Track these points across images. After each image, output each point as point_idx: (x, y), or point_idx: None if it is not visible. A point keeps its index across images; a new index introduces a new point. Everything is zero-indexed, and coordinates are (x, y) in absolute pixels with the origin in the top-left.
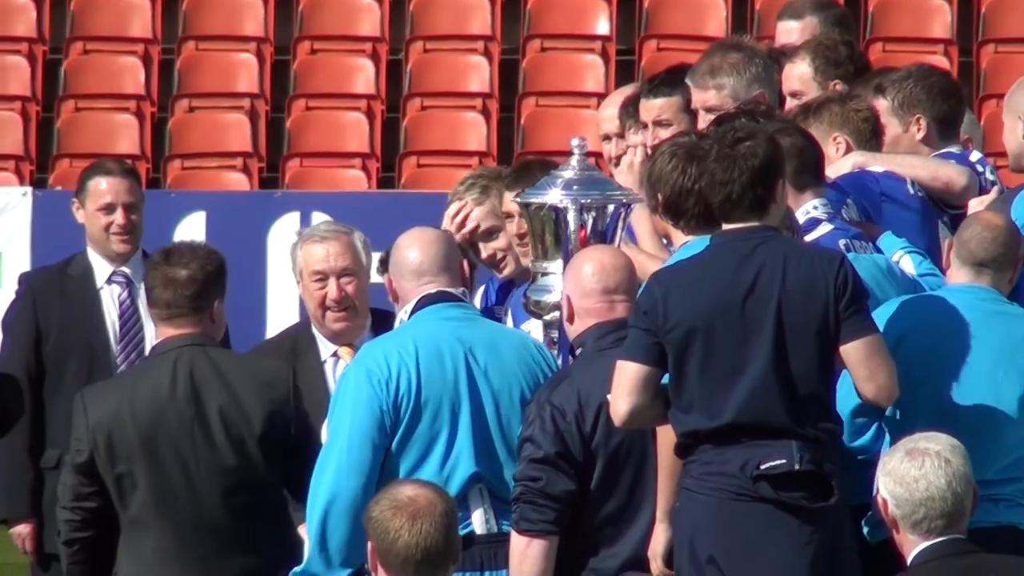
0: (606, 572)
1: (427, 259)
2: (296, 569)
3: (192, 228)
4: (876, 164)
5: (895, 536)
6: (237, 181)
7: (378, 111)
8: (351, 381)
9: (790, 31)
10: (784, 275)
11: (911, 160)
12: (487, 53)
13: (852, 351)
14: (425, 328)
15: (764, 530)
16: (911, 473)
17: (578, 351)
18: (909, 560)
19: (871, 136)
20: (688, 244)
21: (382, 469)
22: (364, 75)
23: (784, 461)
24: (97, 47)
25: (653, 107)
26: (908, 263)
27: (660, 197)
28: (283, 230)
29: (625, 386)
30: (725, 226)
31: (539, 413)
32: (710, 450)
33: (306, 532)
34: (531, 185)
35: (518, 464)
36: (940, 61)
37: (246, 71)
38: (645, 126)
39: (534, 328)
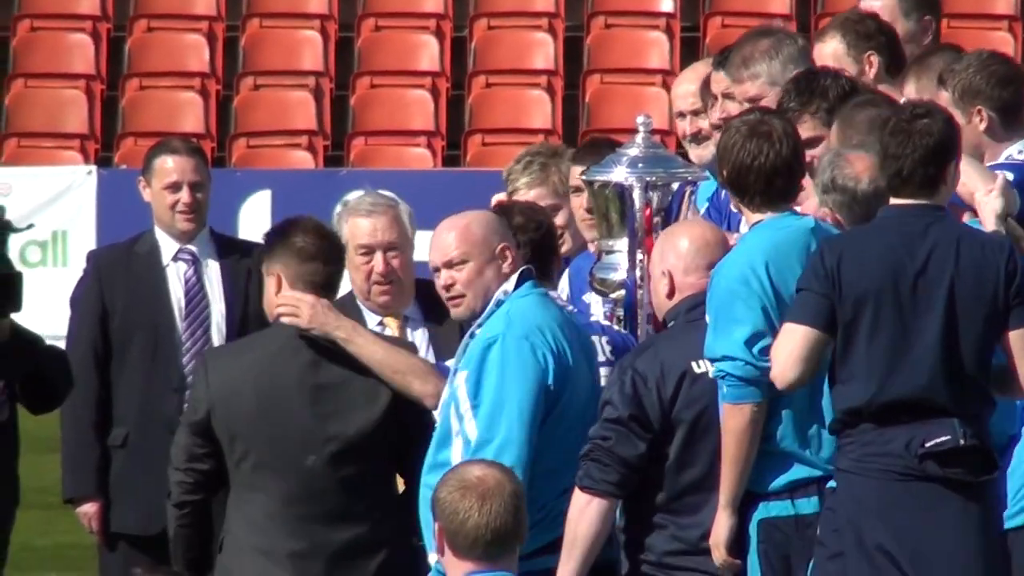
0: (689, 541)
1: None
2: None
3: (258, 206)
4: None
5: None
6: (302, 159)
7: (443, 89)
8: (513, 354)
9: (871, 10)
10: (957, 257)
11: None
12: (551, 30)
13: (1019, 338)
14: (546, 305)
15: (933, 508)
16: None
17: (670, 324)
18: None
19: None
20: (762, 223)
21: None
22: (428, 52)
23: (949, 437)
24: (161, 25)
25: (722, 80)
26: None
27: (724, 173)
28: None
29: (795, 352)
30: (893, 200)
31: (620, 376)
32: (870, 430)
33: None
34: (598, 161)
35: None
36: (1004, 38)
37: (310, 49)
38: (716, 98)
39: (594, 302)
